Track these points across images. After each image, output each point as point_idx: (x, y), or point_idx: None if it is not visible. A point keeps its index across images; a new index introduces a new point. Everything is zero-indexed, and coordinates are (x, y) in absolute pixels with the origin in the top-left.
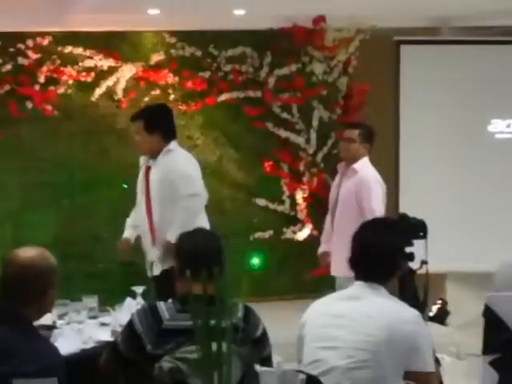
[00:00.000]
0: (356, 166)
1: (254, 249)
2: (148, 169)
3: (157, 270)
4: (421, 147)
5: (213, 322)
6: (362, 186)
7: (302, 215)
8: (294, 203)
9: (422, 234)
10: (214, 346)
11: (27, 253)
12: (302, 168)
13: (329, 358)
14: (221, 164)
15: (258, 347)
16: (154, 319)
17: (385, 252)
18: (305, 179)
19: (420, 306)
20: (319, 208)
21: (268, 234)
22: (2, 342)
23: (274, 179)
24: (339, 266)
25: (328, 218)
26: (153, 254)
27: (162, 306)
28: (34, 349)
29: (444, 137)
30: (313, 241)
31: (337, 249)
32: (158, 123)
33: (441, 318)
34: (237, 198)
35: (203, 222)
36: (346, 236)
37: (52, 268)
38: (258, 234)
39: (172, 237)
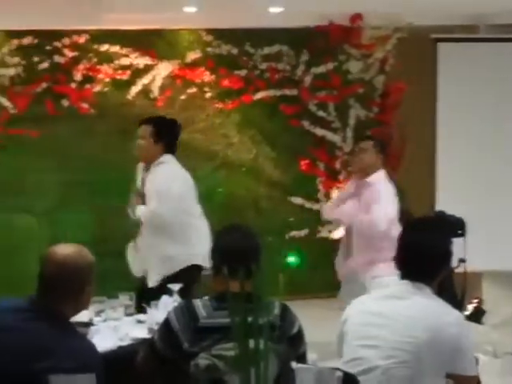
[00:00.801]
0: (370, 179)
1: (290, 247)
2: (143, 181)
3: (151, 282)
4: (458, 145)
5: (250, 319)
6: (373, 199)
7: None
8: None
9: (460, 232)
10: (251, 343)
11: (64, 250)
12: (338, 166)
13: (369, 357)
14: (257, 162)
15: (293, 345)
16: (190, 317)
17: (434, 252)
18: (341, 178)
19: (457, 304)
20: None
21: (303, 232)
22: (40, 339)
23: (309, 178)
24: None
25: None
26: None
27: (198, 303)
28: (72, 346)
29: (481, 135)
30: None
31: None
32: (166, 133)
33: (477, 316)
34: (272, 197)
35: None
36: (365, 245)
37: (89, 265)
38: (294, 233)
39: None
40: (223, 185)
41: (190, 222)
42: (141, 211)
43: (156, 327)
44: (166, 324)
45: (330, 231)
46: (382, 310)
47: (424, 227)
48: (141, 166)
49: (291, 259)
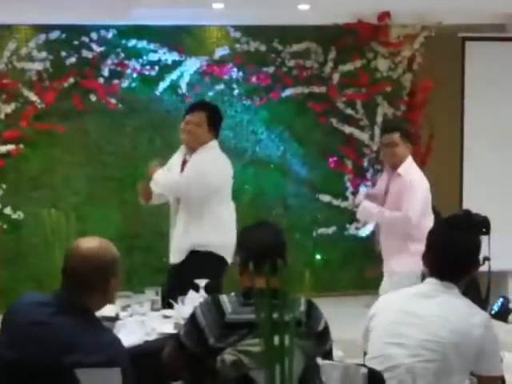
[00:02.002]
0: (400, 170)
1: (317, 245)
2: (184, 162)
3: (174, 258)
4: (485, 144)
5: (275, 315)
6: (405, 191)
7: None
8: None
9: (485, 230)
10: (277, 339)
11: (88, 243)
12: (365, 164)
13: (395, 355)
14: (285, 159)
15: (320, 341)
16: (216, 312)
17: (465, 251)
18: (368, 175)
19: (482, 303)
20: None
21: (331, 229)
22: (66, 333)
23: (337, 175)
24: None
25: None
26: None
27: (224, 299)
28: (97, 339)
29: (508, 134)
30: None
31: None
32: (218, 120)
33: (503, 315)
34: (300, 194)
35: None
36: (393, 240)
37: (113, 258)
38: (322, 230)
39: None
40: (251, 182)
41: (220, 213)
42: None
43: (182, 322)
44: (192, 319)
45: (357, 228)
46: (410, 308)
47: (454, 226)
48: (183, 149)
49: (319, 257)
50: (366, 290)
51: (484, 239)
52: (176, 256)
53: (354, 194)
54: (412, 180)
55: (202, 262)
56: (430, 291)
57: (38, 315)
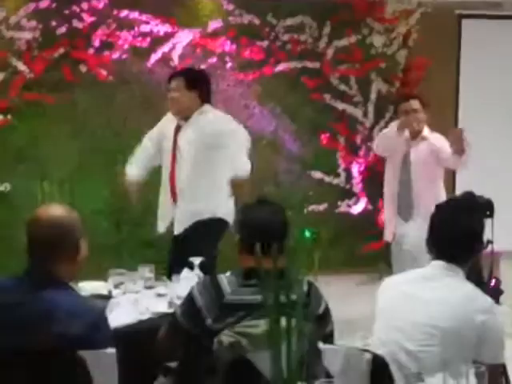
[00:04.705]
0: (424, 133)
1: (309, 222)
2: (178, 128)
3: (178, 229)
4: (480, 123)
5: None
6: (441, 148)
7: (357, 189)
8: (349, 176)
9: (488, 213)
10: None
11: (49, 210)
12: (358, 141)
13: (396, 339)
14: (276, 135)
15: (320, 323)
16: (215, 293)
17: (470, 232)
18: (361, 153)
19: (484, 286)
20: (375, 182)
21: (322, 207)
22: (52, 306)
23: (329, 152)
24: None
25: (393, 184)
26: (171, 212)
27: (223, 279)
28: (79, 308)
29: (504, 112)
30: (368, 215)
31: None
32: (198, 82)
33: (495, 297)
34: (292, 170)
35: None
36: (428, 198)
37: (77, 220)
38: (313, 207)
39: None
40: None
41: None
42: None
43: (177, 301)
44: (190, 299)
45: (349, 205)
46: (414, 292)
47: (458, 207)
48: (169, 118)
49: (310, 234)
50: (358, 268)
51: (487, 222)
52: (182, 225)
53: (346, 170)
54: (442, 138)
55: (207, 228)
56: (434, 274)
57: (7, 298)
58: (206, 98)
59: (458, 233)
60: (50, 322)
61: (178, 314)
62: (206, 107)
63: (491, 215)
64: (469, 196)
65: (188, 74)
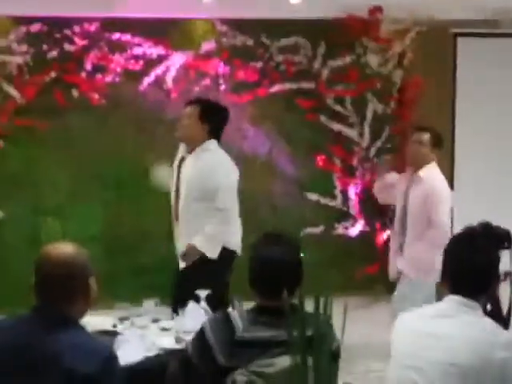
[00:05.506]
0: (422, 173)
1: (305, 244)
2: (182, 159)
3: (182, 263)
4: (476, 141)
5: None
6: (431, 197)
7: (354, 211)
8: (346, 198)
9: (506, 244)
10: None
11: (58, 249)
12: (354, 162)
13: (413, 378)
14: (271, 157)
15: (335, 360)
16: (226, 329)
17: (489, 268)
18: (358, 174)
19: (503, 321)
20: (372, 203)
21: (319, 229)
22: (64, 347)
23: (326, 173)
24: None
25: (396, 225)
26: (177, 244)
27: (235, 315)
28: (91, 349)
29: (500, 130)
30: (364, 237)
31: (410, 254)
32: (212, 116)
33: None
34: (288, 193)
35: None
36: (417, 245)
37: (86, 257)
38: (309, 230)
39: (198, 243)
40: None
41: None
42: (200, 238)
43: (184, 336)
44: (201, 335)
45: (345, 228)
46: (431, 329)
47: (474, 240)
48: (183, 146)
49: (306, 256)
50: (355, 290)
51: (505, 253)
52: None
53: (343, 192)
54: (437, 188)
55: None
56: (451, 310)
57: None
58: (215, 133)
59: (475, 268)
60: (61, 363)
61: (190, 350)
62: (211, 145)
63: (509, 246)
64: (485, 227)
65: (206, 104)
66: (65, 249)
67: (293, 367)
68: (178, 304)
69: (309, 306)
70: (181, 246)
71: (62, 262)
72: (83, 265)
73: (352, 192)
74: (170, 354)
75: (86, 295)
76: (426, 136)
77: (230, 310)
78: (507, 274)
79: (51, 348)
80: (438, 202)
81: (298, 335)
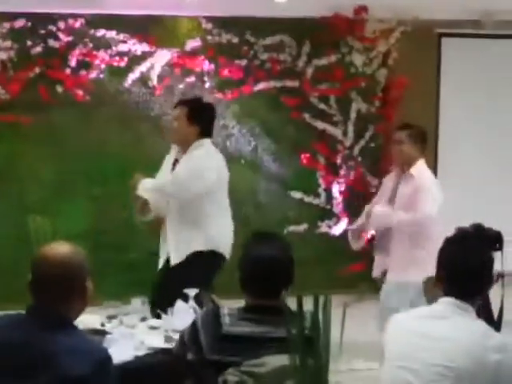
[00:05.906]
0: (412, 171)
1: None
2: (176, 161)
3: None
4: (460, 141)
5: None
6: (420, 192)
7: (337, 209)
8: (329, 196)
9: (497, 245)
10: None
11: (55, 249)
12: (338, 161)
13: (407, 379)
14: (256, 155)
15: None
16: (215, 324)
17: (482, 269)
18: (341, 172)
19: (494, 323)
20: (356, 202)
21: (302, 227)
22: (60, 347)
23: (310, 172)
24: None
25: None
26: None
27: (225, 311)
28: (86, 350)
29: (484, 131)
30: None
31: (395, 253)
32: (201, 116)
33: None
34: (271, 190)
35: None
36: (405, 242)
37: (83, 256)
38: (293, 228)
39: (142, 191)
40: None
41: (215, 213)
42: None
43: (172, 334)
44: (193, 329)
45: (329, 226)
46: (425, 330)
47: (467, 242)
48: (175, 148)
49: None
50: (338, 289)
51: (497, 255)
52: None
53: (326, 190)
54: (426, 184)
55: (202, 262)
56: (445, 311)
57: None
58: (206, 132)
59: (468, 270)
60: (57, 364)
61: (183, 343)
62: (203, 141)
63: (500, 248)
64: (477, 228)
65: (193, 104)
66: (61, 249)
67: (286, 367)
68: (158, 305)
69: (292, 305)
70: (168, 246)
71: (58, 262)
72: (80, 265)
73: (336, 190)
74: (158, 353)
75: (83, 295)
76: (405, 133)
77: (221, 306)
78: (499, 276)
79: (47, 348)
80: (427, 196)
81: (297, 334)
